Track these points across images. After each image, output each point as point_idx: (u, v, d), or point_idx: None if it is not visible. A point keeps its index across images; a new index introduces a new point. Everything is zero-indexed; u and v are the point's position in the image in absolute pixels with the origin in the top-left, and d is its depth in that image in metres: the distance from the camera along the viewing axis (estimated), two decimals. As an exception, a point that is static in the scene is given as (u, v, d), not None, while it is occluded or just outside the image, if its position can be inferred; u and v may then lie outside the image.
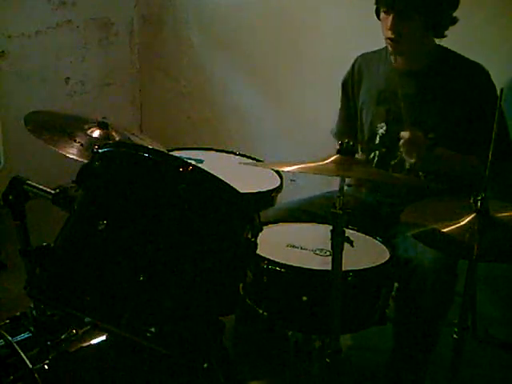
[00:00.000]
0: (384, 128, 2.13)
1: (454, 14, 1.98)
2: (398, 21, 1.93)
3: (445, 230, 1.47)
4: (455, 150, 2.05)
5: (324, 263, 1.68)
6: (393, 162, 2.13)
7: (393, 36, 1.97)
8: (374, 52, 2.22)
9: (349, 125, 2.30)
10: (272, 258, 1.68)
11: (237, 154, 2.30)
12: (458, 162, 2.05)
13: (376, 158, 2.16)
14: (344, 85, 2.29)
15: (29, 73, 3.35)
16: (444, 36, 2.01)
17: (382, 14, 1.98)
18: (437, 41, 2.05)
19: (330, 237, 1.50)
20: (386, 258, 1.77)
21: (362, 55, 2.26)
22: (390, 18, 1.94)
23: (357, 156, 2.13)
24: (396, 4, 1.92)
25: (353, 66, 2.27)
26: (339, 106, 2.34)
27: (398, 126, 2.09)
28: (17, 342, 1.52)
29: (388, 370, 2.03)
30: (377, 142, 2.15)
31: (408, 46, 2.00)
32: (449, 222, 1.49)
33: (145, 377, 1.57)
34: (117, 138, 1.77)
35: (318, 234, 1.88)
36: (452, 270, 1.88)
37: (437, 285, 1.83)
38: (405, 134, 1.95)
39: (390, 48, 2.03)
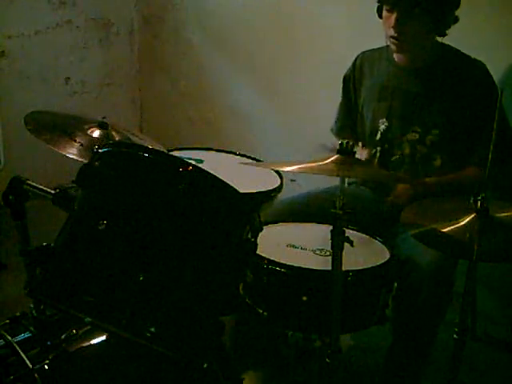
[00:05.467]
0: (385, 124, 2.14)
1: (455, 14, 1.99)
2: (402, 19, 1.93)
3: (445, 230, 1.47)
4: (458, 148, 2.05)
5: (324, 263, 1.68)
6: (393, 159, 2.14)
7: (396, 34, 1.97)
8: (376, 49, 2.22)
9: (348, 121, 2.31)
10: (272, 258, 1.68)
11: (237, 154, 2.30)
12: (456, 182, 2.05)
13: (378, 154, 2.16)
14: (345, 80, 2.30)
15: (29, 73, 3.35)
16: (446, 34, 2.01)
17: (385, 13, 1.99)
18: (438, 39, 2.05)
19: (330, 237, 1.50)
20: (386, 258, 1.76)
21: (364, 52, 2.26)
22: (394, 16, 1.94)
23: (359, 151, 2.16)
24: (400, 2, 1.92)
25: (354, 62, 2.27)
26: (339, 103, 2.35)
27: (399, 122, 2.09)
28: (17, 342, 1.52)
29: (384, 368, 2.03)
30: (378, 138, 2.15)
31: (411, 45, 2.01)
32: (449, 222, 1.49)
33: (145, 377, 1.57)
34: (117, 138, 1.77)
35: (318, 234, 1.88)
36: (450, 271, 1.88)
37: (434, 286, 1.83)
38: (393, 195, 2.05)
39: (392, 46, 2.03)
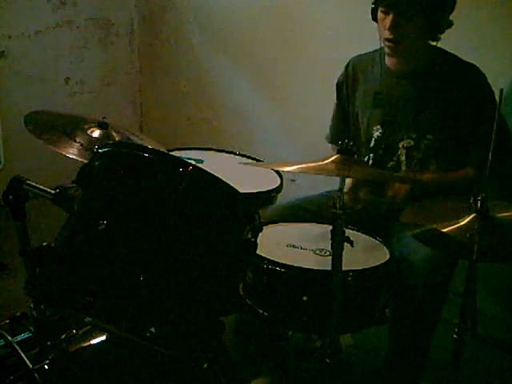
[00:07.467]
0: (380, 131, 2.13)
1: (452, 16, 1.98)
2: (398, 21, 1.92)
3: (445, 230, 1.48)
4: (453, 152, 2.05)
5: (324, 263, 1.68)
6: (389, 165, 2.13)
7: (391, 36, 1.95)
8: (367, 54, 2.20)
9: (343, 128, 2.29)
10: (272, 258, 1.68)
11: (237, 154, 2.30)
12: (449, 180, 2.06)
13: (370, 161, 2.16)
14: (338, 87, 2.28)
15: (29, 73, 3.35)
16: (439, 39, 1.99)
17: (380, 14, 1.97)
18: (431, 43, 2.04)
19: (330, 237, 1.50)
20: (386, 258, 1.77)
21: (356, 57, 2.24)
22: (390, 18, 1.93)
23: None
24: (396, 4, 1.91)
25: (346, 67, 2.25)
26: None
27: (393, 129, 2.09)
28: (17, 342, 1.52)
29: (384, 368, 2.03)
30: (372, 144, 2.15)
31: (406, 47, 1.99)
32: (449, 222, 1.49)
33: (145, 377, 1.57)
34: (117, 138, 1.77)
35: (318, 234, 1.88)
36: (444, 268, 1.87)
37: (429, 283, 1.83)
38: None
39: (387, 49, 2.02)
